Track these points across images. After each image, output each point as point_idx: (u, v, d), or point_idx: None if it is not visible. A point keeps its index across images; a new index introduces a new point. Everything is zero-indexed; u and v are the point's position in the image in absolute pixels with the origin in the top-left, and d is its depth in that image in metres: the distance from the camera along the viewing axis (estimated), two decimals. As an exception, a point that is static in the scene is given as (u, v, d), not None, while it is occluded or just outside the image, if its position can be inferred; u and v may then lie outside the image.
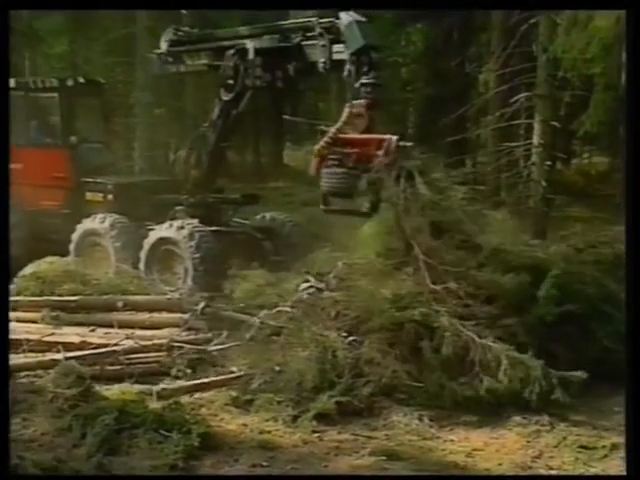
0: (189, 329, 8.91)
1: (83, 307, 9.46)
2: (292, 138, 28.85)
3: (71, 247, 12.03)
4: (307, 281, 8.85)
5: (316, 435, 6.56)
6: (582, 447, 6.36)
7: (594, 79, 17.04)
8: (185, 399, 7.13)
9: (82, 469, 5.72)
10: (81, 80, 13.54)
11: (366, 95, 9.35)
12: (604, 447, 6.33)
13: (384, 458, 6.10)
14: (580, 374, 7.08)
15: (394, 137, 8.83)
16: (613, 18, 14.47)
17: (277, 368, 7.31)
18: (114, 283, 10.39)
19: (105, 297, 9.72)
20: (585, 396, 7.27)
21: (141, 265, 11.44)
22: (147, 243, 11.51)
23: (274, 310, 8.49)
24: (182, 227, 11.36)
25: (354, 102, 9.27)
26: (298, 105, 26.14)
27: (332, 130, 9.06)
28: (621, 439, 6.33)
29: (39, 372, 7.58)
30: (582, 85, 17.39)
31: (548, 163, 16.14)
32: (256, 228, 12.75)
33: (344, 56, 9.75)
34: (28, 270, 10.63)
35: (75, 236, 12.11)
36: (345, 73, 9.65)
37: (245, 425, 6.70)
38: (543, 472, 6.00)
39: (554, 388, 6.93)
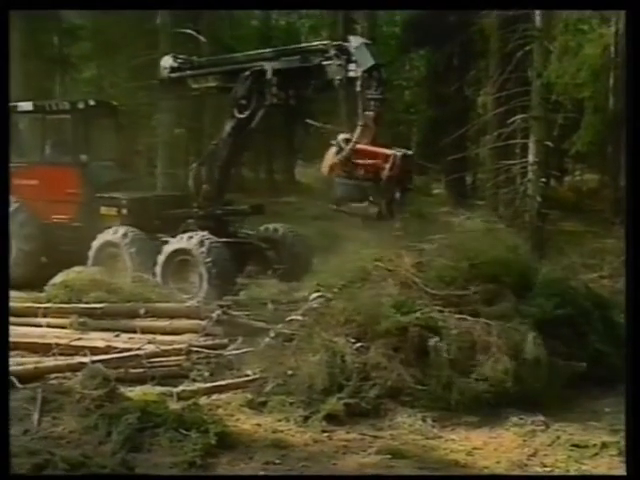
0: (207, 335, 8.88)
1: (108, 314, 9.45)
2: (303, 156, 28.93)
3: (89, 259, 11.94)
4: (317, 291, 8.85)
5: (325, 435, 6.55)
6: (574, 446, 6.33)
7: (584, 102, 17.13)
8: (203, 400, 7.12)
9: (107, 465, 5.73)
10: (91, 102, 13.44)
11: (374, 108, 9.91)
12: (595, 445, 6.30)
13: (389, 456, 6.09)
14: (582, 365, 7.32)
15: (399, 152, 9.68)
16: (601, 47, 14.59)
17: (289, 372, 7.29)
18: (137, 291, 10.35)
19: (128, 305, 9.69)
20: (578, 398, 7.29)
21: (158, 278, 11.35)
22: (162, 255, 11.47)
23: (287, 319, 8.49)
24: (192, 237, 11.41)
25: (365, 113, 9.85)
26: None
27: (349, 146, 9.75)
28: (611, 438, 6.35)
29: (68, 374, 7.58)
30: (573, 108, 17.47)
31: (543, 180, 16.12)
32: (261, 239, 12.77)
33: (354, 74, 10.24)
34: (57, 279, 10.64)
35: (93, 249, 12.00)
36: (358, 89, 10.07)
37: (259, 425, 6.69)
38: (538, 469, 5.98)
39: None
